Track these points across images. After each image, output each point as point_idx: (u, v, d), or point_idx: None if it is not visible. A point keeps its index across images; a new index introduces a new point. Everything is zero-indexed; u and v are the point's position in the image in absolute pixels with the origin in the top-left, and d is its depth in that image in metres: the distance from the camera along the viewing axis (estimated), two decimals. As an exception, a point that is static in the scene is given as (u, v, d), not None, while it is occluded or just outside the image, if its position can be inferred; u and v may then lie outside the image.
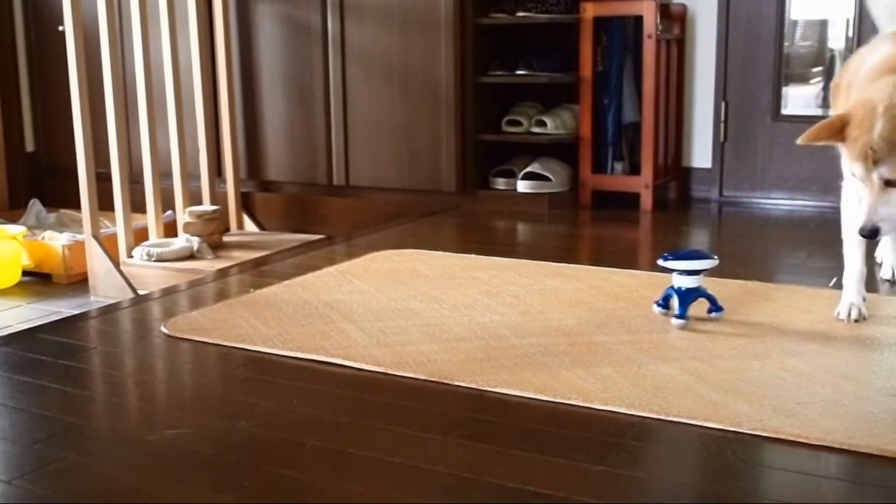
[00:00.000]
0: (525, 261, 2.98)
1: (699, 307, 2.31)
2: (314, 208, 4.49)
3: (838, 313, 2.29)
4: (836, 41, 4.22)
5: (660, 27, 3.96)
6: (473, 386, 1.89)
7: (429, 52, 4.11)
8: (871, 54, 2.15)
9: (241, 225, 4.55)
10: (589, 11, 4.02)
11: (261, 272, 2.94)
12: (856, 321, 2.25)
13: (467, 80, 4.13)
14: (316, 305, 2.48)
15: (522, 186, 4.14)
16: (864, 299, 2.29)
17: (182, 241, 3.93)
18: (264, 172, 4.58)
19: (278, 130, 4.50)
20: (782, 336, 2.19)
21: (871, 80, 2.00)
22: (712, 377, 1.91)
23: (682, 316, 2.26)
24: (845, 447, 1.59)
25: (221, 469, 1.56)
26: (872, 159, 1.87)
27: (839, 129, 1.93)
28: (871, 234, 1.94)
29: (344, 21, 4.25)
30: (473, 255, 3.07)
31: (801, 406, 1.76)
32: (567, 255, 3.29)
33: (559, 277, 2.75)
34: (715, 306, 2.31)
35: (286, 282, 2.74)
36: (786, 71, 4.15)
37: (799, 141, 2.01)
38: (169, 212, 4.28)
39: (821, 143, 2.01)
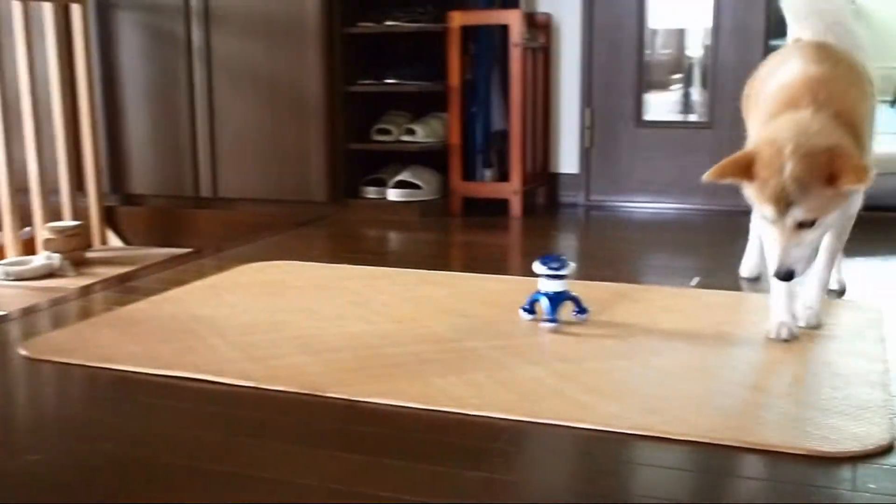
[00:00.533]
0: (397, 269, 2.98)
1: (565, 309, 2.35)
2: (181, 221, 4.39)
3: (768, 332, 2.20)
4: (693, 49, 4.38)
5: (525, 36, 4.02)
6: (346, 397, 1.88)
7: (297, 62, 4.07)
8: (780, 69, 2.10)
9: (104, 240, 4.41)
10: (456, 20, 4.05)
11: (126, 288, 2.86)
12: (785, 340, 2.16)
13: (336, 89, 4.11)
14: (184, 321, 2.42)
15: (393, 195, 4.14)
16: (793, 317, 2.21)
17: (42, 259, 3.78)
18: (128, 185, 4.46)
19: (142, 142, 4.39)
20: (648, 335, 2.25)
21: (776, 105, 1.96)
22: (581, 378, 1.95)
23: (552, 320, 2.30)
24: (709, 440, 1.64)
25: (85, 494, 1.50)
26: (785, 202, 1.83)
27: (746, 168, 1.88)
28: (786, 277, 1.91)
29: (209, 31, 4.17)
30: (345, 265, 3.05)
31: (667, 403, 1.81)
32: (438, 262, 3.30)
33: (431, 285, 2.76)
34: (580, 308, 2.35)
35: (153, 297, 2.67)
36: (647, 78, 4.27)
37: (704, 178, 1.94)
38: (27, 228, 4.12)
39: (727, 181, 1.96)
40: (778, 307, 2.21)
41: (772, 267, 1.92)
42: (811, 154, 1.79)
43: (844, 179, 1.76)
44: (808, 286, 2.21)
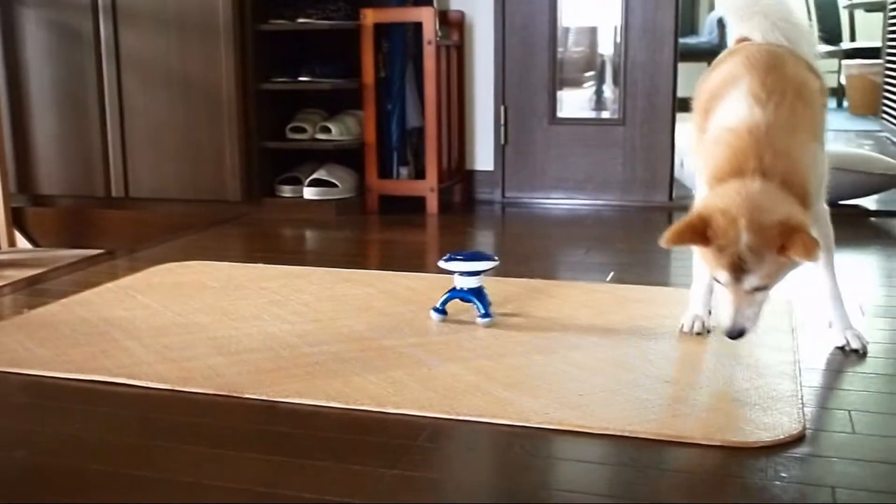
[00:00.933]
0: (314, 268, 2.97)
1: (470, 309, 2.36)
2: (92, 222, 4.30)
3: (682, 326, 2.25)
4: (605, 47, 4.43)
5: (439, 34, 4.03)
6: (264, 398, 1.86)
7: (208, 59, 4.02)
8: (725, 97, 2.04)
9: (12, 242, 4.29)
10: (369, 18, 4.04)
11: (35, 291, 2.79)
12: (698, 334, 2.22)
13: (249, 87, 4.06)
14: (96, 323, 2.37)
15: (309, 193, 4.11)
16: (709, 312, 2.23)
17: (-54, 262, 3.67)
18: (36, 185, 4.35)
19: (50, 141, 4.28)
20: (564, 331, 2.27)
21: (721, 163, 1.93)
22: (499, 374, 1.96)
23: (486, 314, 2.31)
24: (625, 434, 1.67)
25: (-4, 503, 1.47)
26: (741, 269, 1.84)
27: (701, 234, 1.86)
28: (738, 336, 1.90)
29: (117, 27, 4.09)
30: (261, 265, 3.02)
31: (584, 397, 1.83)
32: (356, 260, 3.29)
33: (349, 283, 2.75)
34: (485, 311, 2.35)
35: (63, 300, 2.61)
36: (560, 76, 4.32)
37: (661, 243, 1.90)
38: (-70, 230, 4.00)
39: (685, 246, 1.97)
40: (695, 300, 2.26)
41: (723, 325, 1.90)
42: (764, 228, 1.81)
43: (793, 252, 1.79)
44: (831, 312, 2.19)
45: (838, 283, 2.18)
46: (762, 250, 1.81)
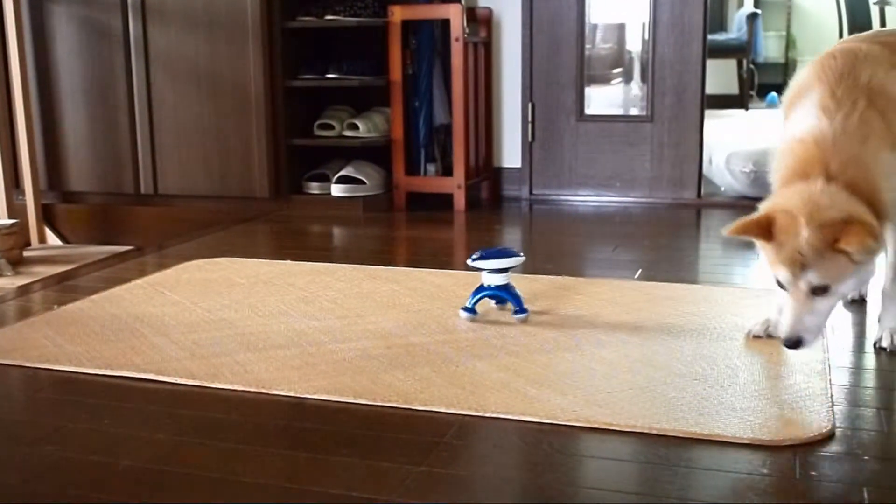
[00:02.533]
0: (341, 265, 2.97)
1: (508, 306, 2.36)
2: (121, 219, 4.33)
3: (750, 331, 2.22)
4: (633, 44, 4.41)
5: (466, 30, 4.03)
6: (292, 394, 1.87)
7: (237, 57, 4.03)
8: (800, 106, 2.03)
9: (42, 238, 4.33)
10: (397, 15, 4.04)
11: (65, 287, 2.81)
12: (756, 337, 2.18)
13: (277, 84, 4.08)
14: (125, 320, 2.39)
15: (336, 190, 4.12)
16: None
17: (-22, 258, 3.71)
18: (66, 182, 4.38)
19: (80, 138, 4.31)
20: (592, 328, 2.27)
21: (788, 171, 1.94)
22: (527, 372, 1.96)
23: (522, 310, 2.32)
24: (654, 432, 1.66)
25: (27, 498, 1.48)
26: (800, 264, 1.82)
27: (766, 228, 1.87)
28: (794, 345, 1.86)
29: (146, 25, 4.12)
30: (288, 262, 3.03)
31: (611, 395, 1.82)
32: (383, 257, 3.30)
33: (376, 280, 2.75)
34: (519, 308, 2.35)
35: (93, 296, 2.63)
36: (588, 73, 4.30)
37: (724, 232, 1.93)
38: (-38, 227, 4.04)
39: (746, 238, 1.94)
40: (773, 307, 2.21)
41: (782, 331, 1.90)
42: (824, 224, 1.81)
43: (845, 243, 1.78)
44: (883, 308, 2.17)
45: None
46: (821, 245, 1.80)
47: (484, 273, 2.34)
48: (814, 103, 1.98)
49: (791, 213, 1.84)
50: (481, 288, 2.35)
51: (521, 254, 2.37)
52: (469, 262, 2.36)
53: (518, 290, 2.36)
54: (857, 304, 2.46)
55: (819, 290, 1.84)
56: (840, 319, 2.34)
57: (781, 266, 1.85)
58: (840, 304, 2.43)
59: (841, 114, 1.92)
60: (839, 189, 1.85)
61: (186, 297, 2.60)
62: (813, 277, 1.82)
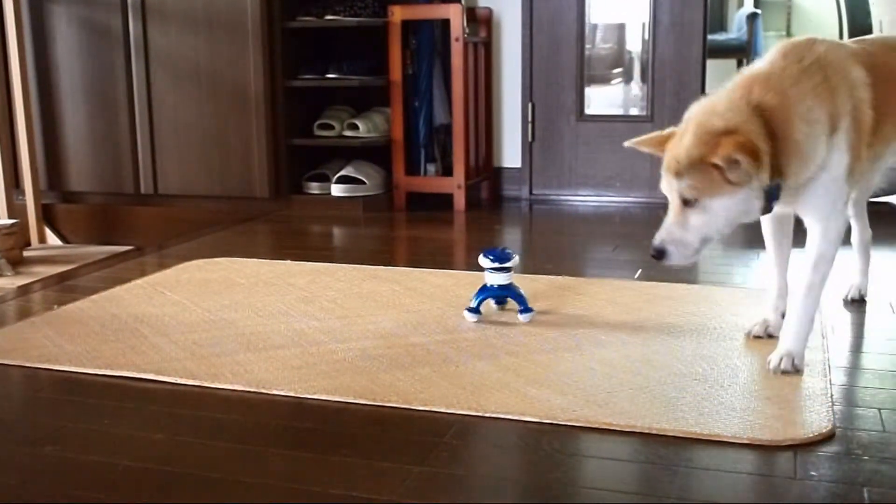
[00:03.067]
0: (341, 265, 2.97)
1: (514, 305, 2.36)
2: (121, 219, 4.33)
3: (749, 331, 2.19)
4: (633, 44, 4.41)
5: (466, 30, 4.03)
6: (292, 394, 1.87)
7: (237, 57, 4.03)
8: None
9: (42, 238, 4.33)
10: (397, 15, 4.04)
11: (65, 287, 2.81)
12: (756, 337, 2.16)
13: (277, 84, 4.08)
14: (125, 320, 2.39)
15: (336, 190, 4.12)
16: (783, 315, 2.12)
17: (-22, 258, 3.71)
18: (66, 182, 4.38)
19: (80, 138, 4.31)
20: (592, 328, 2.26)
21: (730, 83, 1.91)
22: (527, 372, 1.96)
23: (527, 309, 2.32)
24: (653, 431, 1.66)
25: (27, 498, 1.48)
26: (675, 171, 1.80)
27: (663, 142, 1.87)
28: (658, 256, 1.84)
29: (146, 25, 4.12)
30: (289, 262, 3.03)
31: (611, 395, 1.82)
32: (383, 257, 3.30)
33: (376, 280, 2.75)
34: (523, 307, 2.35)
35: (93, 296, 2.63)
36: (588, 73, 4.30)
37: (625, 144, 1.97)
38: (-38, 227, 4.04)
39: (645, 150, 1.95)
40: (767, 305, 2.20)
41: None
42: (708, 132, 1.77)
43: (711, 152, 1.73)
44: (785, 322, 2.03)
45: (815, 311, 1.97)
46: (696, 154, 1.77)
47: (487, 273, 2.34)
48: (764, 57, 1.95)
49: (686, 120, 1.83)
50: (485, 288, 2.34)
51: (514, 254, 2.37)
52: (481, 260, 2.36)
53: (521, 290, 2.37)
54: (857, 304, 2.46)
55: (690, 203, 1.80)
56: (840, 320, 2.34)
57: (663, 172, 1.83)
58: (841, 303, 2.44)
59: (786, 62, 1.88)
60: (744, 105, 1.80)
61: (186, 297, 2.60)
62: (682, 187, 1.79)
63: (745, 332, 2.19)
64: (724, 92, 1.88)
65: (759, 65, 1.92)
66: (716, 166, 1.75)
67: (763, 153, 1.76)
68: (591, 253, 3.35)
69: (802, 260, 1.96)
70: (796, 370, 1.92)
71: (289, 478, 1.52)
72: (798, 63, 1.87)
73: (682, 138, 1.81)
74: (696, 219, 1.81)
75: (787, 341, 1.97)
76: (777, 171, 1.80)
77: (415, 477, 1.51)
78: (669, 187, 1.83)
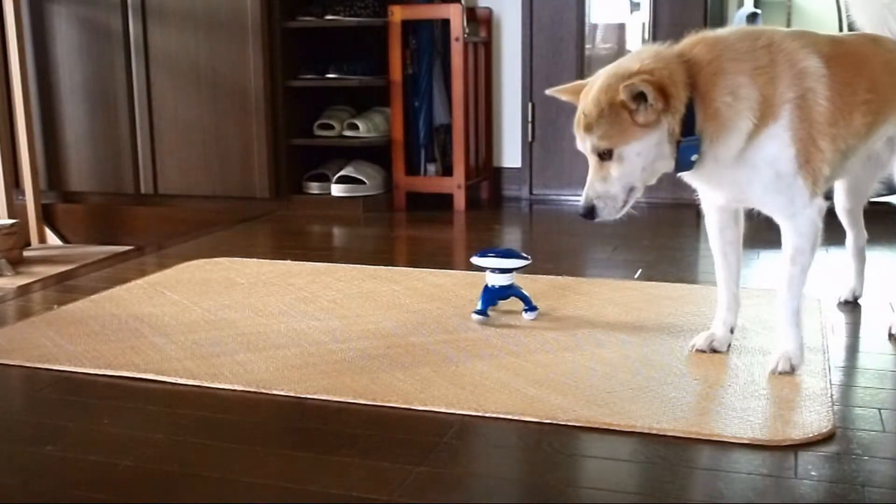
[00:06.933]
0: (341, 265, 2.97)
1: (514, 306, 2.36)
2: (121, 218, 4.33)
3: (693, 344, 2.09)
4: (633, 43, 4.41)
5: (466, 30, 4.03)
6: (292, 394, 1.87)
7: (237, 56, 4.03)
8: None
9: (42, 238, 4.33)
10: (397, 15, 4.04)
11: (66, 287, 2.81)
12: (699, 351, 2.06)
13: (277, 84, 4.08)
14: (125, 320, 2.39)
15: (336, 190, 4.12)
16: (731, 330, 2.07)
17: (-22, 258, 3.71)
18: (66, 182, 4.38)
19: (80, 138, 4.31)
20: (592, 328, 2.26)
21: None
22: (528, 372, 1.96)
23: (532, 308, 2.33)
24: (653, 431, 1.66)
25: (27, 498, 1.48)
26: (585, 125, 1.75)
27: (581, 90, 1.81)
28: (588, 215, 1.81)
29: (146, 25, 4.12)
30: (289, 261, 3.03)
31: (611, 395, 1.82)
32: (383, 257, 3.29)
33: (376, 280, 2.75)
34: (529, 306, 2.35)
35: (93, 296, 2.63)
36: (588, 73, 4.28)
37: (546, 91, 1.92)
38: (-38, 227, 4.04)
39: (564, 99, 1.90)
40: (716, 316, 2.11)
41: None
42: (617, 74, 1.71)
43: (617, 89, 1.67)
44: (783, 329, 1.96)
45: (799, 304, 1.93)
46: (603, 102, 1.72)
47: (489, 273, 2.34)
48: (727, 28, 1.90)
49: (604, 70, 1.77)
50: (488, 289, 2.34)
51: (528, 257, 2.36)
52: (473, 259, 2.35)
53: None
54: (853, 305, 2.46)
55: (606, 155, 1.76)
56: (840, 320, 2.34)
57: (574, 128, 1.78)
58: (835, 304, 2.43)
59: (741, 38, 1.82)
60: (673, 56, 1.76)
61: (186, 297, 2.60)
62: (594, 140, 1.75)
63: (690, 344, 2.09)
64: (663, 45, 1.83)
65: (716, 31, 1.87)
66: (624, 106, 1.71)
67: (674, 97, 1.72)
68: (591, 253, 3.35)
69: (781, 257, 1.93)
70: (793, 369, 1.91)
71: (288, 478, 1.52)
72: (751, 42, 1.82)
73: (592, 87, 1.76)
74: (615, 170, 1.78)
75: (781, 342, 1.95)
76: (693, 130, 1.76)
77: (415, 477, 1.51)
78: (583, 144, 1.79)
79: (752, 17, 7.78)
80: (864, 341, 2.20)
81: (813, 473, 1.51)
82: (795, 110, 1.81)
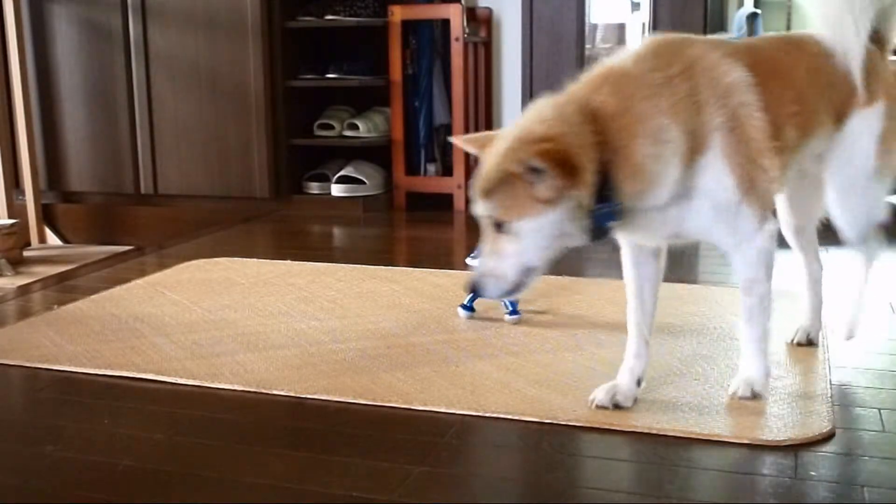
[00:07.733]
0: (341, 265, 2.97)
1: (498, 307, 2.36)
2: (121, 218, 4.33)
3: (595, 396, 1.78)
4: (633, 44, 4.40)
5: (466, 30, 4.03)
6: (292, 394, 1.87)
7: (237, 57, 4.03)
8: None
9: (42, 238, 4.33)
10: (397, 15, 4.04)
11: (65, 287, 2.81)
12: (600, 407, 1.75)
13: (277, 84, 4.08)
14: (125, 320, 2.39)
15: (336, 190, 4.12)
16: (638, 382, 1.80)
17: (-22, 258, 3.71)
18: (66, 182, 4.38)
19: (80, 138, 4.31)
20: (592, 328, 2.26)
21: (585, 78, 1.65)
22: (528, 372, 1.96)
23: (514, 311, 2.32)
24: (653, 431, 1.66)
25: (27, 498, 1.48)
26: (482, 190, 1.55)
27: (487, 143, 1.59)
28: (470, 289, 1.62)
29: (146, 25, 4.12)
30: (289, 261, 3.03)
31: (612, 395, 1.82)
32: (383, 257, 3.30)
33: (376, 280, 2.75)
34: (512, 309, 2.35)
35: (93, 296, 2.63)
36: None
37: (451, 139, 1.78)
38: (-38, 227, 4.04)
39: (470, 151, 1.69)
40: (622, 368, 1.83)
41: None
42: (521, 139, 1.50)
43: (512, 158, 1.47)
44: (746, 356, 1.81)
45: (764, 332, 1.77)
46: (503, 170, 1.50)
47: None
48: (634, 50, 1.68)
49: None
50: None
51: None
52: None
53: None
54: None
55: (501, 227, 1.54)
56: (840, 320, 2.33)
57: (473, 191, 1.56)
58: (840, 304, 2.43)
59: (653, 64, 1.61)
60: (576, 111, 1.53)
61: (186, 297, 2.60)
62: (490, 207, 1.54)
63: (590, 399, 1.78)
64: (567, 91, 1.62)
65: (623, 58, 1.66)
66: (520, 178, 1.50)
67: (582, 168, 1.49)
68: (591, 253, 3.34)
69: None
70: (755, 396, 1.77)
71: (288, 478, 1.52)
72: (665, 69, 1.61)
73: (495, 149, 1.54)
74: (509, 246, 1.56)
75: (744, 368, 1.80)
76: (613, 191, 1.55)
77: (415, 477, 1.51)
78: (478, 210, 1.57)
79: (752, 18, 7.78)
80: (864, 341, 2.20)
81: (813, 473, 1.51)
82: (728, 134, 1.62)
